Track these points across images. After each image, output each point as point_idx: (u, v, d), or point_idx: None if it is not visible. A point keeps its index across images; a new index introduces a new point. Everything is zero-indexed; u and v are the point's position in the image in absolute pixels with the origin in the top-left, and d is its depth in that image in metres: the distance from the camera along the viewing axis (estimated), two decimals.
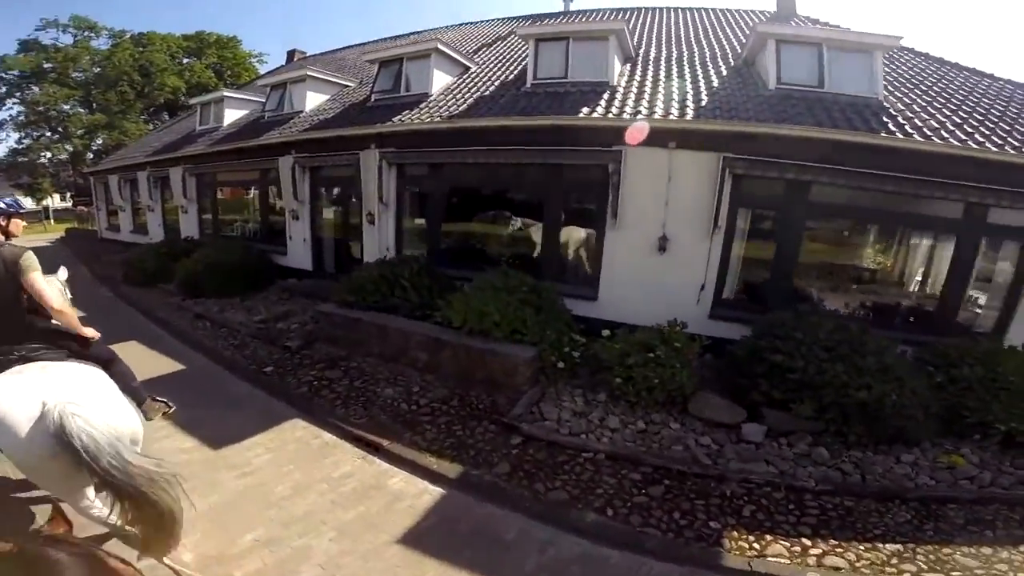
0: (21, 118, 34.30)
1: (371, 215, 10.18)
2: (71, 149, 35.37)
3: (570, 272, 8.89)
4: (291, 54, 23.43)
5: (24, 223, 3.54)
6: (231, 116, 14.86)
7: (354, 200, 10.82)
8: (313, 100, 12.84)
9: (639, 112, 7.68)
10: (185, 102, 38.43)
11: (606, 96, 8.45)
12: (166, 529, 2.57)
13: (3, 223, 3.24)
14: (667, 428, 5.08)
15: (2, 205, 3.26)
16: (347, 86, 13.68)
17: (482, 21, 18.61)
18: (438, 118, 9.30)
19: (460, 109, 9.42)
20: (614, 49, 9.19)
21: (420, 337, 6.47)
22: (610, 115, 7.78)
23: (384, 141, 9.82)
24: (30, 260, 3.00)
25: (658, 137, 7.38)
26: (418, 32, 18.84)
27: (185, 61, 39.41)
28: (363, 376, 6.25)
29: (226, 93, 15.05)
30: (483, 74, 11.23)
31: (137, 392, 3.57)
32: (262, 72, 37.79)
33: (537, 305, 6.59)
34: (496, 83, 10.43)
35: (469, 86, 10.55)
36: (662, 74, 9.40)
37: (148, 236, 16.69)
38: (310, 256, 11.47)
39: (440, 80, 10.77)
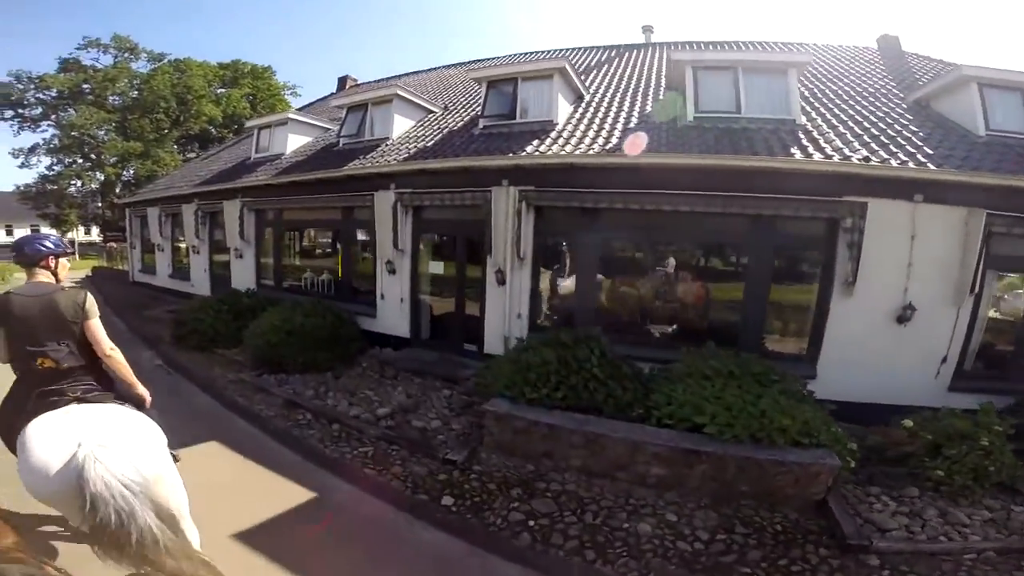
0: (55, 142, 32.86)
1: (501, 272, 7.86)
2: (102, 178, 33.83)
3: (774, 344, 7.29)
4: (343, 80, 21.71)
5: (68, 264, 3.30)
6: (295, 142, 12.78)
7: (471, 251, 8.62)
8: (401, 125, 10.74)
9: (868, 159, 6.43)
10: (218, 133, 37.33)
11: (801, 135, 7.20)
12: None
13: (53, 264, 3.10)
14: (1011, 511, 4.50)
15: (51, 245, 3.11)
16: (433, 111, 11.64)
17: (530, 52, 16.79)
18: (592, 151, 7.52)
19: (612, 143, 7.66)
20: (794, 84, 7.87)
21: (659, 448, 4.72)
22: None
23: (522, 177, 7.70)
24: (93, 305, 3.06)
25: (899, 188, 6.26)
26: (482, 60, 17.14)
27: (220, 91, 38.24)
28: (584, 505, 4.49)
29: (291, 115, 12.97)
30: (602, 104, 9.63)
31: None
32: (295, 105, 36.95)
33: (796, 395, 5.30)
34: (635, 115, 8.83)
35: (599, 117, 8.96)
36: (841, 113, 8.11)
37: (190, 283, 14.51)
38: (407, 320, 9.08)
39: (563, 108, 9.06)
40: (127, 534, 2.28)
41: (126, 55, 34.02)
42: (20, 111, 33.04)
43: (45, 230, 44.50)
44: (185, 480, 2.95)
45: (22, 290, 2.95)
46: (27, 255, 3.03)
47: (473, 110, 11.12)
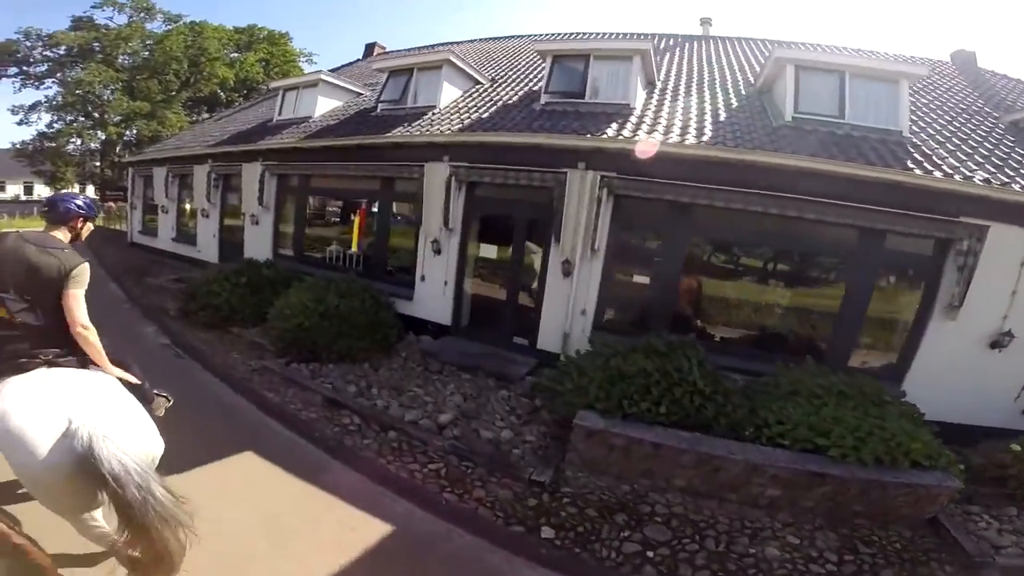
0: (57, 100, 31.39)
1: (568, 263, 6.93)
2: (103, 137, 32.38)
3: (858, 359, 6.71)
4: (370, 47, 20.61)
5: (92, 226, 3.17)
6: (324, 106, 11.65)
7: (530, 236, 7.71)
8: (448, 94, 9.73)
9: (988, 180, 5.92)
10: (228, 98, 35.95)
11: (911, 149, 6.63)
12: (163, 563, 2.34)
13: (79, 225, 3.02)
14: None
15: (82, 205, 2.99)
16: (480, 83, 10.63)
17: (602, 34, 15.89)
18: (688, 141, 6.76)
19: (705, 135, 6.93)
20: (905, 94, 7.18)
21: (780, 471, 4.32)
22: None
23: (602, 161, 6.82)
24: (82, 276, 2.77)
25: (1015, 212, 5.84)
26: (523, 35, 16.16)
27: (233, 55, 36.81)
28: (701, 530, 4.07)
29: (324, 77, 11.83)
30: (678, 93, 8.93)
31: (147, 393, 3.16)
32: (307, 71, 35.84)
33: (913, 418, 4.99)
34: (720, 107, 8.06)
35: (679, 105, 8.24)
36: (942, 128, 7.52)
37: (196, 248, 13.38)
38: (450, 306, 8.07)
39: (640, 93, 8.26)
40: (149, 511, 2.19)
41: (141, 15, 32.48)
42: (25, 68, 31.64)
43: (39, 188, 43.04)
44: (233, 509, 2.75)
45: (27, 234, 2.78)
46: (59, 213, 2.93)
47: (524, 84, 10.21)
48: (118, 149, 32.74)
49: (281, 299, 7.10)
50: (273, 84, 13.75)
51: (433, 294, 8.13)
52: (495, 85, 10.57)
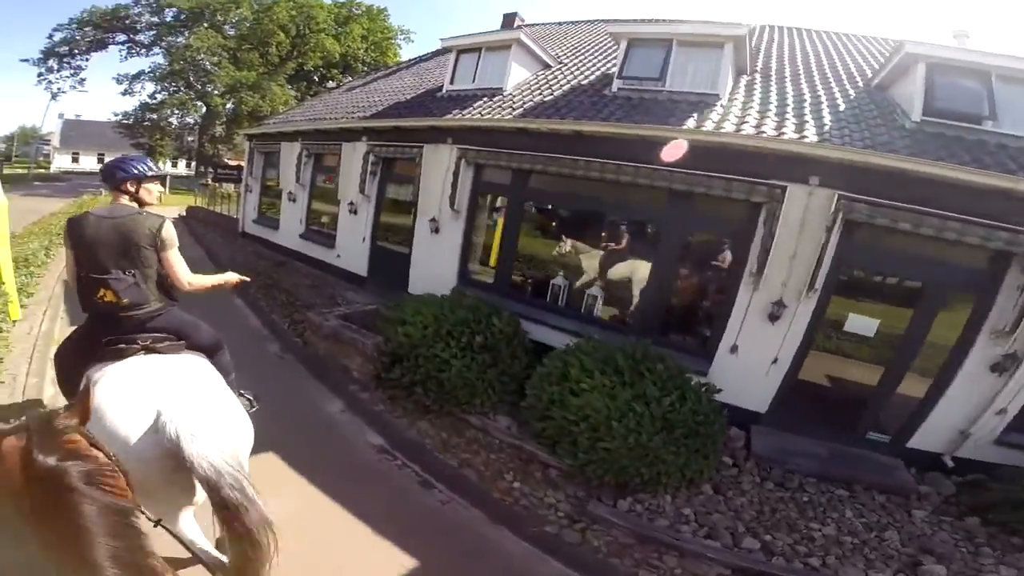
0: (162, 68, 30.70)
1: (1015, 358, 4.24)
2: (205, 109, 31.50)
3: None
4: (509, 18, 17.67)
5: (159, 189, 2.93)
6: (517, 76, 8.94)
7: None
8: (728, 81, 7.02)
9: None
10: (328, 74, 34.46)
11: None
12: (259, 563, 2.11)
13: (132, 188, 2.72)
14: None
15: (133, 167, 2.71)
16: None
17: None
18: None
19: None
20: None
21: None
22: None
23: None
24: (170, 233, 2.70)
25: None
26: None
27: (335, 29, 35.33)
28: None
29: (522, 38, 9.02)
30: None
31: (233, 387, 2.94)
32: (405, 54, 33.84)
33: None
34: None
35: None
36: None
37: (335, 252, 10.87)
38: (771, 390, 5.38)
39: None
40: (246, 511, 1.97)
41: None
42: (132, 36, 31.08)
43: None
44: None
45: (99, 211, 2.64)
46: (111, 177, 2.70)
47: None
48: (218, 123, 31.86)
49: (573, 395, 4.49)
50: (445, 42, 10.96)
51: (749, 373, 5.39)
52: (769, 78, 7.70)
